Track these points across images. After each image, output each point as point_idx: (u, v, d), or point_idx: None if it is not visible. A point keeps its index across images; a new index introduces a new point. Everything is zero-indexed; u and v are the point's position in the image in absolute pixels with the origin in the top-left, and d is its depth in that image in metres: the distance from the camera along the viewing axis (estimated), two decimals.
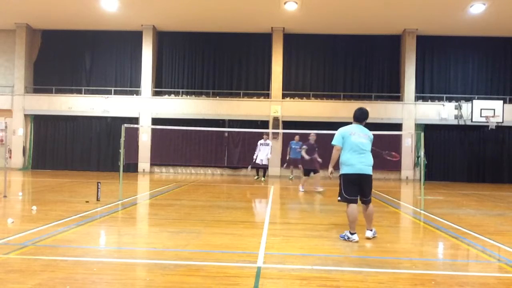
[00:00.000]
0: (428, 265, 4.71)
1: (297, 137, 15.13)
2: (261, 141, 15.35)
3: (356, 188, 5.61)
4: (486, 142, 18.24)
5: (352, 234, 5.58)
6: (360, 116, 5.81)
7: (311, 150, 11.69)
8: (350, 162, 5.57)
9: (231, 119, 18.52)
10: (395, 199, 11.07)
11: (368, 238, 5.70)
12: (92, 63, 19.60)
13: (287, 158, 15.59)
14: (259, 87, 19.16)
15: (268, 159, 15.30)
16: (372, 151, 5.84)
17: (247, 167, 16.80)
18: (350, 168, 5.57)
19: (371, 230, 5.78)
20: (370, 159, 5.69)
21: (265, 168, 15.49)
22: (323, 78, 19.16)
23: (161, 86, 19.31)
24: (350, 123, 5.91)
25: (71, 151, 19.08)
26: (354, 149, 5.58)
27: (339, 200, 5.88)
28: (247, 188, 13.26)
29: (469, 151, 18.30)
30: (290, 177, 16.14)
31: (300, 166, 15.18)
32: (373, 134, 5.89)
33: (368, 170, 5.64)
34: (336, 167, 5.87)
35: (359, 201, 5.71)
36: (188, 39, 19.30)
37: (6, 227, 6.10)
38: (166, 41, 19.50)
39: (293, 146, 15.13)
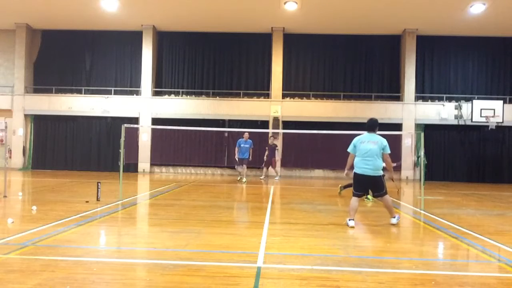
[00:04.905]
0: (428, 265, 4.71)
1: (246, 135, 14.77)
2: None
3: (362, 185, 6.81)
4: (486, 142, 18.23)
5: (349, 220, 6.59)
6: (370, 125, 6.89)
7: None
8: (358, 165, 6.73)
9: (231, 119, 18.51)
10: (395, 199, 11.03)
11: (393, 224, 6.72)
12: (92, 63, 19.58)
13: (236, 158, 14.99)
14: (259, 87, 19.16)
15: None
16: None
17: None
18: (358, 169, 6.73)
19: (394, 217, 6.82)
20: (375, 163, 6.57)
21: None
22: (323, 78, 19.14)
23: (161, 86, 19.31)
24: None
25: (71, 151, 19.07)
26: (362, 154, 6.67)
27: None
28: (247, 188, 13.25)
29: (469, 151, 18.29)
30: (240, 178, 15.10)
31: (245, 165, 14.73)
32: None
33: (371, 172, 6.60)
34: None
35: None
36: (188, 39, 19.29)
37: (6, 227, 6.09)
38: (166, 41, 19.49)
39: (242, 145, 14.75)
